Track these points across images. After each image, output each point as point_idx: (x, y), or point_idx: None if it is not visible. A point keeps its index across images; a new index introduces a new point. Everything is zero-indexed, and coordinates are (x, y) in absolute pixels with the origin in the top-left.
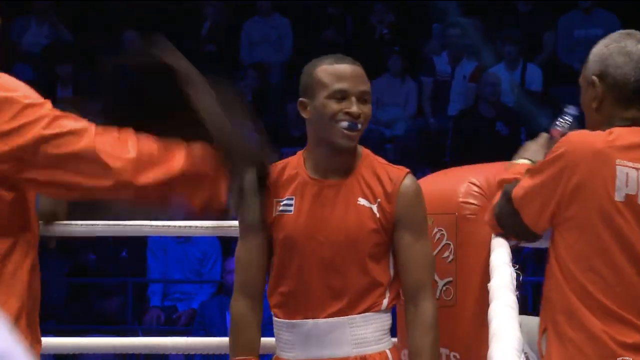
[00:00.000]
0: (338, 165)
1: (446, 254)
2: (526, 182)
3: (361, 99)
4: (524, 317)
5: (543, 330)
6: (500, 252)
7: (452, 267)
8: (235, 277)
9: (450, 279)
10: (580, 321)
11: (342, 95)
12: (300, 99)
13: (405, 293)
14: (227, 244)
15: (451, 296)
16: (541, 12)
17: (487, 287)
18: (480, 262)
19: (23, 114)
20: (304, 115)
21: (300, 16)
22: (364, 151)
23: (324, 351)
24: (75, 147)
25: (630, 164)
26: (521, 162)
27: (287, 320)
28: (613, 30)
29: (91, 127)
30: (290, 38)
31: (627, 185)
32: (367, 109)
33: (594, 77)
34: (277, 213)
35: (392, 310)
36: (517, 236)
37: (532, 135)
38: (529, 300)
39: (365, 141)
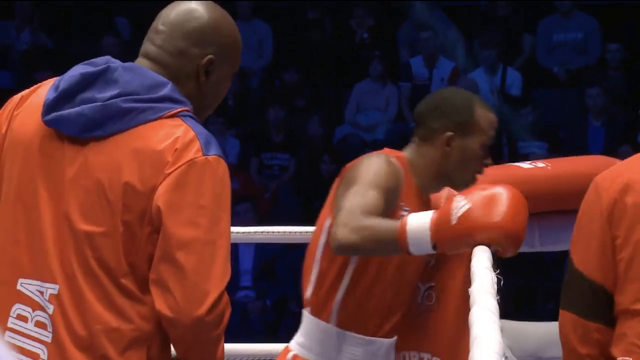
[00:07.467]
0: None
1: (428, 258)
2: None
3: None
4: (505, 321)
5: None
6: (481, 257)
7: (433, 272)
8: (358, 201)
9: (432, 284)
10: None
11: (489, 146)
12: (449, 133)
13: None
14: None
15: (433, 301)
16: (520, 15)
17: (468, 292)
18: (462, 267)
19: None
20: (437, 147)
21: (280, 21)
22: None
23: None
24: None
25: None
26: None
27: (364, 337)
28: (593, 33)
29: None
30: (270, 43)
31: None
32: None
33: None
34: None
35: None
36: None
37: (512, 140)
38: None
39: (345, 146)
